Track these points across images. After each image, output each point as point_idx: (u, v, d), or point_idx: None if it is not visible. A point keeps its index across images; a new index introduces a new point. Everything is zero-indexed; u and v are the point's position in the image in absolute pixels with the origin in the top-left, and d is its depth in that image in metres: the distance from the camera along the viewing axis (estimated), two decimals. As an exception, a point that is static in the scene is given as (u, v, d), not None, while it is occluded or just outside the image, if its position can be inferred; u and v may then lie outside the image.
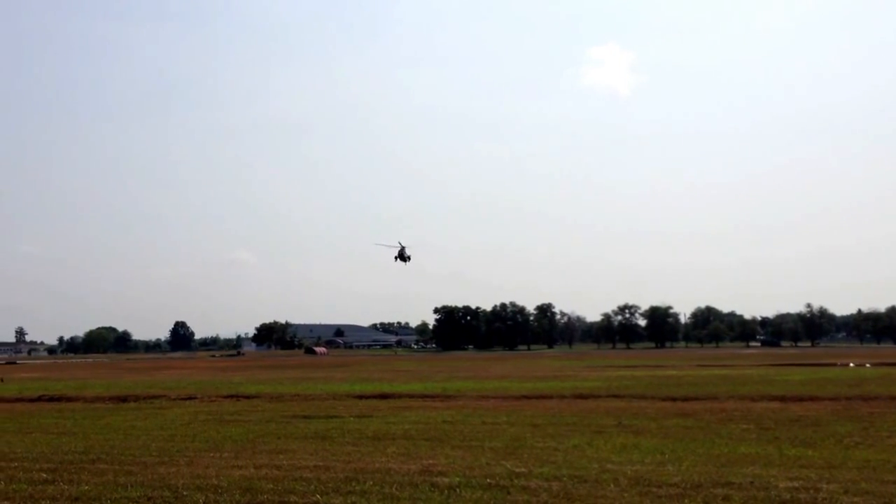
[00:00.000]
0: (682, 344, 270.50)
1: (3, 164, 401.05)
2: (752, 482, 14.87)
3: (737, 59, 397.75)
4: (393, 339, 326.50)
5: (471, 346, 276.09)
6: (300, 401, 38.86)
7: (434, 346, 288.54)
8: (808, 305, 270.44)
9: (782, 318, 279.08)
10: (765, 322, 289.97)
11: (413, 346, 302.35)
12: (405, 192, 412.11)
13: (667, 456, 18.80)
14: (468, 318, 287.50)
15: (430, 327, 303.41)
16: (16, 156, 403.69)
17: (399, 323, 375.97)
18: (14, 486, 15.79)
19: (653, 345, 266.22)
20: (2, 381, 69.60)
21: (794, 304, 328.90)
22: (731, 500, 13.40)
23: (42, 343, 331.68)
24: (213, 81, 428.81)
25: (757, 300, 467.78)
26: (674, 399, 36.13)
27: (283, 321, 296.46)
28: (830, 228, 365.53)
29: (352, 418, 29.34)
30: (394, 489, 14.61)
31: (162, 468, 17.69)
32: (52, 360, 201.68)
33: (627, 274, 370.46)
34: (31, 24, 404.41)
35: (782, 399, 35.16)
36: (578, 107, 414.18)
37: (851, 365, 79.44)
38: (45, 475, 17.00)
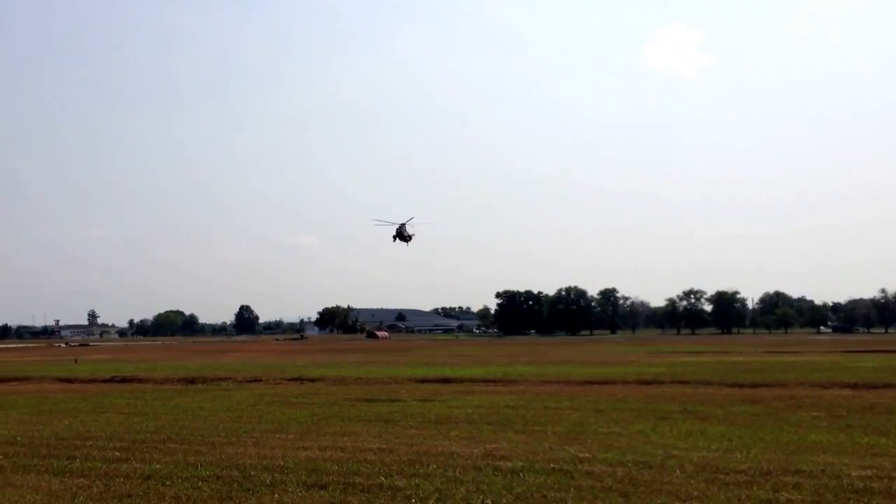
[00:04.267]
0: (750, 330, 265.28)
1: (73, 149, 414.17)
2: (823, 470, 14.52)
3: (809, 39, 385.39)
4: (454, 323, 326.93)
5: (532, 331, 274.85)
6: (363, 384, 39.26)
7: (495, 330, 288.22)
8: (883, 290, 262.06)
9: (854, 304, 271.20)
10: (836, 308, 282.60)
11: (474, 330, 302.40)
12: (467, 175, 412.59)
13: (734, 443, 18.49)
14: (530, 302, 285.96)
15: (492, 312, 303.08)
16: (86, 141, 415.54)
17: (461, 307, 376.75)
18: (89, 464, 16.32)
19: (719, 331, 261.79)
20: (76, 362, 71.96)
21: (867, 290, 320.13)
22: (801, 488, 13.09)
23: (113, 326, 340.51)
24: (279, 66, 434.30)
25: (828, 285, 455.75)
26: (741, 385, 35.52)
27: (345, 305, 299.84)
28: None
29: (414, 402, 29.51)
30: (457, 472, 14.65)
31: (230, 448, 18.07)
32: (123, 343, 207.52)
33: (693, 258, 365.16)
34: (101, 9, 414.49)
35: (854, 386, 34.28)
36: (643, 88, 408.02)
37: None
38: (118, 454, 17.53)
